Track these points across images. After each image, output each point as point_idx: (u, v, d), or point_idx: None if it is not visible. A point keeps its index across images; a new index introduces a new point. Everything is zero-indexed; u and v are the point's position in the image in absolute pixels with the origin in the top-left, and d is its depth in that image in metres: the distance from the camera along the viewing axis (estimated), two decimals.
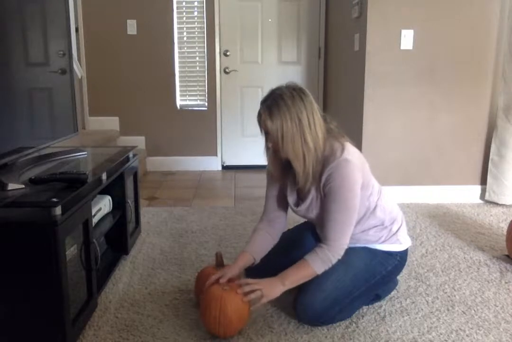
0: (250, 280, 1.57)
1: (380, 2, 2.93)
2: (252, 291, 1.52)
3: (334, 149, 1.55)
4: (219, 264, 1.74)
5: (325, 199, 1.59)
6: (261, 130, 1.59)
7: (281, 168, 1.68)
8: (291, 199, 1.73)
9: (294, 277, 1.56)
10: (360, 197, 1.59)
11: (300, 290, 1.63)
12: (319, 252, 1.56)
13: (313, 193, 1.63)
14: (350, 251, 1.69)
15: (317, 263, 1.55)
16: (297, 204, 1.71)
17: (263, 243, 1.77)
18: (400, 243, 1.73)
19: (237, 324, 1.52)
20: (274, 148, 1.58)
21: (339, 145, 1.56)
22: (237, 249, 2.32)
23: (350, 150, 1.57)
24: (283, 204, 1.79)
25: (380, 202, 1.69)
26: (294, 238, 1.90)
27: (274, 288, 1.54)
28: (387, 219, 1.71)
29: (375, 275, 1.67)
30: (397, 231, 1.73)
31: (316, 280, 1.60)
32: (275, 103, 1.51)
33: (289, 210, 1.81)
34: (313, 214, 1.68)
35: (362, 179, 1.59)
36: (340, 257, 1.58)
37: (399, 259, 1.73)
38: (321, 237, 1.65)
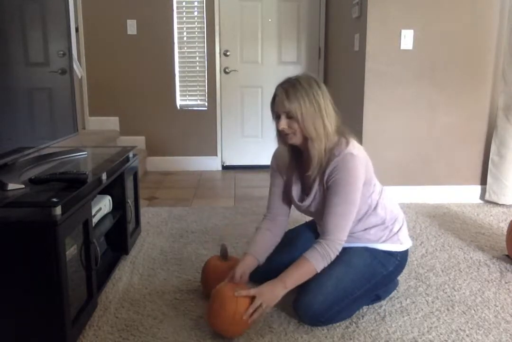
0: (252, 291, 1.52)
1: (380, 2, 2.93)
2: (254, 311, 1.49)
3: (340, 143, 1.59)
4: (224, 256, 1.81)
5: (327, 192, 1.60)
6: (272, 115, 1.61)
7: (290, 157, 1.70)
8: (295, 193, 1.74)
9: (295, 276, 1.56)
10: (362, 193, 1.61)
11: (300, 290, 1.63)
12: (318, 247, 1.56)
13: (316, 187, 1.64)
14: (350, 251, 1.69)
15: (317, 259, 1.55)
16: (302, 199, 1.73)
17: (267, 243, 1.77)
18: (401, 243, 1.73)
19: (245, 325, 1.52)
20: (288, 131, 1.57)
21: (344, 140, 1.60)
22: (237, 249, 2.31)
23: (356, 146, 1.61)
24: (286, 201, 1.80)
25: (382, 200, 1.71)
26: (294, 237, 1.90)
27: (275, 293, 1.53)
28: (388, 217, 1.71)
29: (376, 275, 1.67)
30: (398, 231, 1.73)
31: (316, 280, 1.60)
32: (292, 85, 1.55)
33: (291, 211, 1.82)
34: (315, 209, 1.69)
35: (365, 175, 1.61)
36: (338, 253, 1.58)
37: (400, 259, 1.73)
38: (320, 233, 1.65)
